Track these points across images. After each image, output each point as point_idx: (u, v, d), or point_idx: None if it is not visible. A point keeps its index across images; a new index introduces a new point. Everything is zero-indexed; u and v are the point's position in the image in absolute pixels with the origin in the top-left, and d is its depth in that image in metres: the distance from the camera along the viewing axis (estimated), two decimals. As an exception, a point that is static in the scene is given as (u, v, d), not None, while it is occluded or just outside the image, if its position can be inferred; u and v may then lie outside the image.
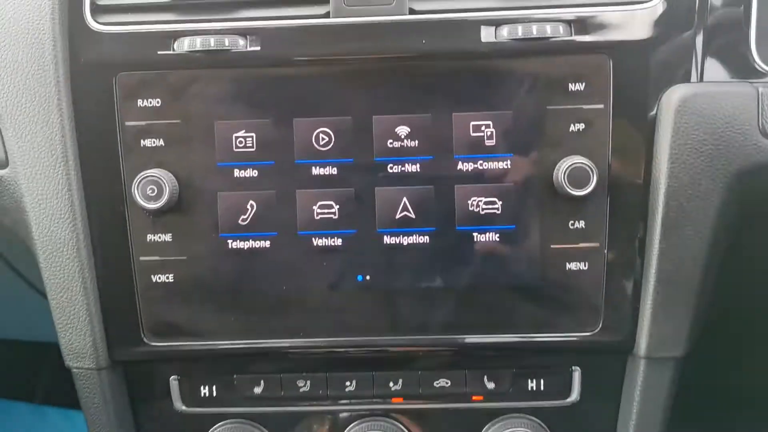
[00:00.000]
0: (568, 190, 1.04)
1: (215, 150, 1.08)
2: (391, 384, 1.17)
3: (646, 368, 1.12)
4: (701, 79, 1.07)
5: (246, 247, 1.10)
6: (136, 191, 1.06)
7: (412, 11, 1.07)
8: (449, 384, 1.17)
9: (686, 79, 1.07)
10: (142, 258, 1.11)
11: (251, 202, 1.09)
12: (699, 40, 1.07)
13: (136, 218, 1.10)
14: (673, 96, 1.04)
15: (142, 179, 1.06)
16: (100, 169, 1.10)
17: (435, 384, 1.17)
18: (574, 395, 1.18)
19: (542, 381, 1.17)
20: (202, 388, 1.20)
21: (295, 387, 1.18)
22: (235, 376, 1.18)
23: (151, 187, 1.06)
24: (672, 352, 1.11)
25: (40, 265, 1.12)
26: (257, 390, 1.18)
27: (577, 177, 1.04)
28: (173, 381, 1.20)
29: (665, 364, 1.12)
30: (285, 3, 1.09)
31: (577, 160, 1.04)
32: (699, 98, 1.03)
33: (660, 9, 1.05)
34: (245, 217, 1.09)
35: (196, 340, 1.13)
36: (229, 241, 1.10)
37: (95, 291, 1.12)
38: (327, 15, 1.07)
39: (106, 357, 1.15)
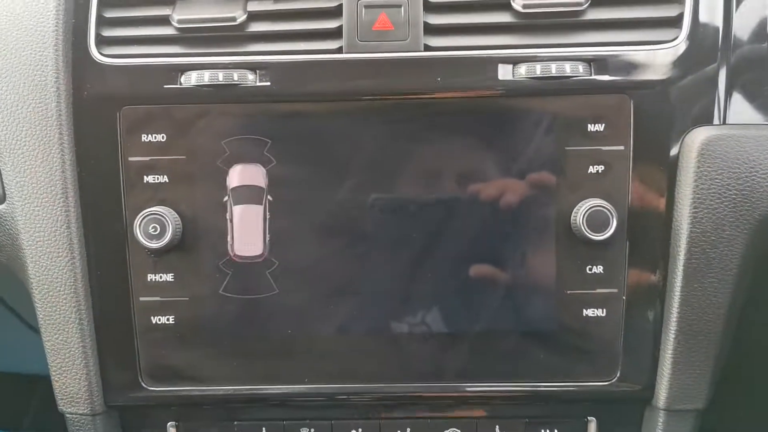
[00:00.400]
0: (587, 234, 1.01)
1: (222, 187, 1.04)
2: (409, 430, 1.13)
3: (665, 420, 1.08)
4: (724, 121, 1.04)
5: (249, 288, 1.06)
6: (137, 229, 1.02)
7: (427, 47, 1.05)
8: None
9: (709, 120, 1.04)
10: (142, 298, 1.06)
11: None
12: (722, 80, 1.04)
13: (137, 257, 1.06)
14: (696, 138, 1.01)
15: (145, 217, 1.02)
16: (101, 206, 1.06)
17: None
18: None
19: (556, 431, 1.13)
20: None
21: None
22: (236, 423, 1.14)
23: (153, 226, 1.02)
24: (693, 404, 1.07)
25: (35, 304, 1.08)
26: None
27: (597, 220, 1.01)
28: (171, 427, 1.15)
29: (685, 416, 1.08)
30: (296, 37, 1.06)
31: (597, 203, 1.01)
32: (723, 141, 1.00)
33: (682, 49, 1.03)
34: None
35: (196, 384, 1.09)
36: (232, 282, 1.06)
37: (92, 332, 1.07)
38: (340, 50, 1.05)
39: (101, 402, 1.10)
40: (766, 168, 1.00)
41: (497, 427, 1.12)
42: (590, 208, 1.01)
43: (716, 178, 1.00)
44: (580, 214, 1.01)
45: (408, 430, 1.13)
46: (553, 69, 1.02)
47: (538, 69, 1.02)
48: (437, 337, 1.06)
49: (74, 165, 1.05)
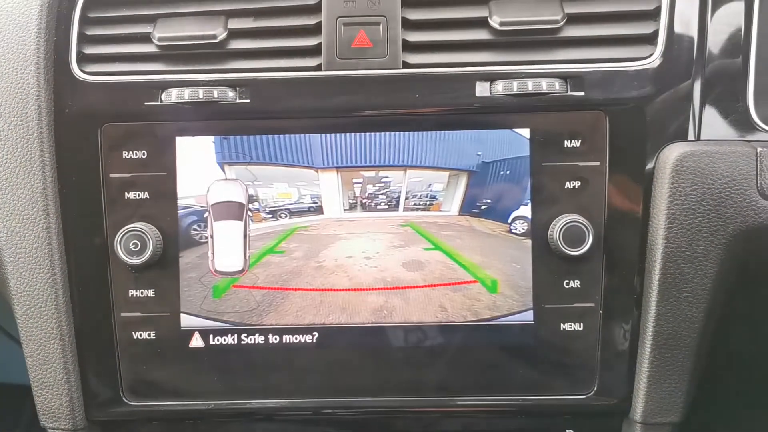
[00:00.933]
0: (564, 249, 1.02)
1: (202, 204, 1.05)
2: None
3: (642, 434, 1.09)
4: (699, 137, 1.05)
5: None
6: (118, 246, 1.03)
7: (405, 64, 1.06)
8: None
9: (683, 136, 1.05)
10: (123, 314, 1.07)
11: None
12: (696, 97, 1.06)
13: (118, 273, 1.06)
14: (671, 154, 1.02)
15: (125, 233, 1.03)
16: (82, 223, 1.07)
17: None
18: None
19: None
20: None
21: None
22: None
23: (134, 242, 1.03)
24: (669, 418, 1.08)
25: (17, 320, 1.08)
26: None
27: (573, 236, 1.02)
28: None
29: (662, 430, 1.09)
30: (276, 54, 1.07)
31: (573, 218, 1.02)
32: (697, 157, 1.02)
33: (657, 65, 1.04)
34: None
35: (178, 399, 1.09)
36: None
37: (73, 348, 1.08)
38: (319, 67, 1.06)
39: (83, 417, 1.10)
40: (739, 183, 1.01)
41: None
42: (566, 223, 1.02)
43: (690, 194, 1.01)
44: (556, 229, 1.02)
45: None
46: (530, 86, 1.03)
47: (515, 86, 1.03)
48: (418, 351, 1.07)
49: (55, 182, 1.06)
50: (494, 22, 1.05)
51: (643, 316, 1.05)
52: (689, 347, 1.05)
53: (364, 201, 1.07)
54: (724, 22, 1.07)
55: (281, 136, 1.06)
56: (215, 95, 1.04)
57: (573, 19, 1.06)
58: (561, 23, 1.05)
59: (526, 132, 1.05)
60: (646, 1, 1.06)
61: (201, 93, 1.04)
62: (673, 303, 1.03)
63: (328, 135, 1.05)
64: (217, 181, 1.06)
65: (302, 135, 1.05)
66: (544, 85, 1.03)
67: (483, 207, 1.06)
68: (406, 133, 1.05)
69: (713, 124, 1.06)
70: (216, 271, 1.07)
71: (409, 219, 1.07)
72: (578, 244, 1.02)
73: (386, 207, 1.07)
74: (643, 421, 1.07)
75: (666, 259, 1.02)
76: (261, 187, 1.07)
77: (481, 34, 1.07)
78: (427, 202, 1.07)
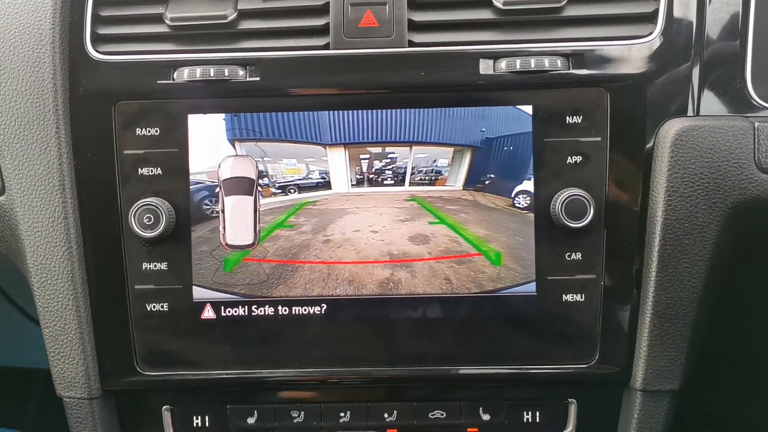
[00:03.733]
0: (566, 221, 1.05)
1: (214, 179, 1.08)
2: (386, 415, 1.16)
3: (642, 401, 1.12)
4: (698, 113, 1.08)
5: None
6: (132, 220, 1.06)
7: (411, 43, 1.09)
8: (444, 415, 1.16)
9: (683, 112, 1.08)
10: (137, 286, 1.10)
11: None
12: (696, 74, 1.08)
13: (132, 247, 1.09)
14: (670, 129, 1.05)
15: (139, 208, 1.06)
16: (97, 198, 1.10)
17: (430, 415, 1.16)
18: (570, 427, 1.17)
19: (538, 413, 1.16)
20: (194, 418, 1.18)
21: (289, 417, 1.17)
22: (228, 406, 1.17)
23: (147, 216, 1.06)
24: (668, 386, 1.10)
25: (34, 293, 1.11)
26: (251, 420, 1.17)
27: (575, 209, 1.05)
28: (165, 411, 1.18)
29: (661, 397, 1.12)
30: (285, 34, 1.10)
31: (575, 192, 1.05)
32: (695, 132, 1.04)
33: (657, 43, 1.07)
34: None
35: (190, 369, 1.12)
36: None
37: (89, 319, 1.11)
38: (327, 47, 1.08)
39: (98, 386, 1.13)
40: (737, 157, 1.04)
41: (481, 409, 1.16)
42: (568, 197, 1.05)
43: (689, 167, 1.04)
44: (558, 202, 1.05)
45: (395, 412, 1.16)
46: (532, 63, 1.06)
47: (518, 63, 1.06)
48: (424, 322, 1.10)
49: (71, 158, 1.09)
50: (498, 1, 1.08)
51: (643, 287, 1.08)
52: (688, 317, 1.07)
53: (371, 176, 1.09)
54: (723, 2, 1.10)
55: (290, 113, 1.08)
56: (226, 73, 1.07)
57: None
58: (563, 2, 1.08)
59: (528, 108, 1.08)
60: None
61: (212, 71, 1.07)
62: (673, 274, 1.06)
63: (336, 112, 1.08)
64: (227, 157, 1.09)
65: (311, 112, 1.08)
66: (547, 62, 1.06)
67: (487, 182, 1.09)
68: (412, 110, 1.08)
69: (712, 100, 1.09)
70: (227, 244, 1.09)
71: (415, 194, 1.09)
72: (580, 217, 1.05)
73: (392, 182, 1.09)
74: (643, 389, 1.10)
75: (665, 230, 1.05)
76: (270, 163, 1.09)
77: (485, 14, 1.09)
78: (433, 177, 1.09)
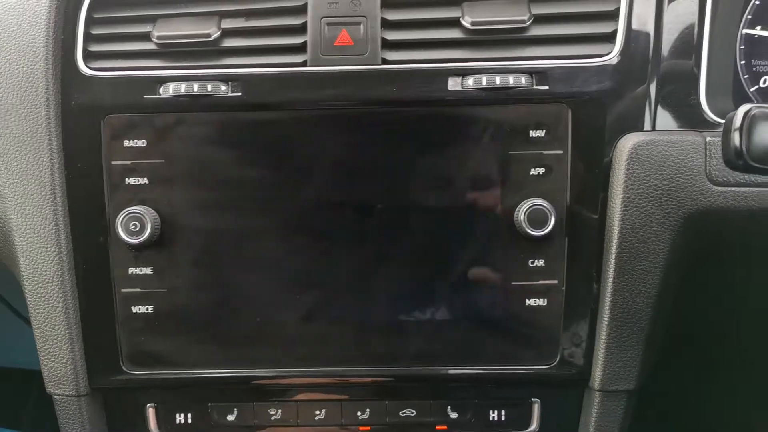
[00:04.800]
0: (528, 230, 1.11)
1: (197, 188, 1.14)
2: (359, 413, 1.22)
3: (600, 401, 1.18)
4: (654, 128, 1.14)
5: (222, 281, 1.16)
6: (119, 227, 1.12)
7: (384, 61, 1.15)
8: (414, 414, 1.22)
9: (640, 127, 1.14)
10: (123, 290, 1.16)
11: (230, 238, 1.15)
12: (652, 91, 1.14)
13: (119, 252, 1.15)
14: (627, 143, 1.11)
15: (126, 215, 1.12)
16: (86, 206, 1.16)
17: (401, 413, 1.22)
18: (533, 426, 1.23)
19: (503, 412, 1.22)
20: (177, 415, 1.24)
21: (267, 415, 1.23)
22: (209, 404, 1.23)
23: (133, 223, 1.12)
24: (624, 386, 1.16)
25: (26, 295, 1.18)
26: (230, 418, 1.23)
27: (536, 218, 1.11)
28: (150, 408, 1.24)
29: (618, 397, 1.18)
30: (266, 52, 1.16)
31: (537, 202, 1.11)
32: (650, 146, 1.10)
33: (616, 62, 1.13)
34: (221, 252, 1.15)
35: (173, 369, 1.18)
36: (206, 275, 1.15)
37: (78, 321, 1.17)
38: (304, 64, 1.14)
39: (86, 384, 1.19)
40: (689, 170, 1.10)
41: (449, 407, 1.22)
42: (530, 206, 1.11)
43: (644, 179, 1.10)
44: (521, 212, 1.11)
45: (367, 410, 1.22)
46: (498, 80, 1.12)
47: (484, 80, 1.12)
48: (395, 325, 1.16)
49: (62, 168, 1.15)
50: (466, 21, 1.14)
51: (601, 292, 1.14)
52: (643, 321, 1.13)
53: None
54: (679, 22, 1.16)
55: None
56: (209, 89, 1.13)
57: (539, 19, 1.15)
58: (528, 23, 1.14)
59: (495, 123, 1.13)
60: (606, 3, 1.15)
61: (196, 87, 1.13)
62: (629, 280, 1.12)
63: None
64: (210, 168, 1.15)
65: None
66: (511, 79, 1.12)
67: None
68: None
69: (667, 116, 1.15)
70: (209, 250, 1.16)
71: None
72: (541, 225, 1.11)
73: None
74: (601, 389, 1.16)
75: (622, 239, 1.11)
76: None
77: (454, 33, 1.15)
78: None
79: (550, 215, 1.10)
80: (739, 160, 0.80)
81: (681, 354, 1.34)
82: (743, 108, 0.81)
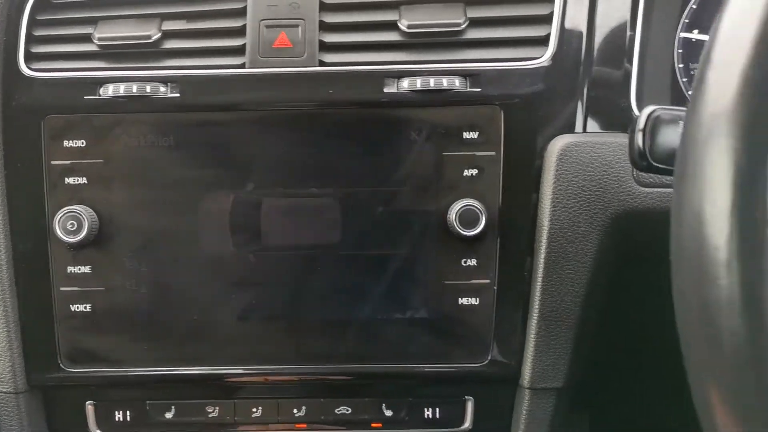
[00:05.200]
0: (459, 230, 1.12)
1: (136, 187, 1.16)
2: (295, 411, 1.24)
3: (530, 398, 1.20)
4: (584, 130, 1.16)
5: (160, 280, 1.17)
6: (57, 226, 1.13)
7: (322, 63, 1.16)
8: (350, 411, 1.23)
9: (571, 129, 1.16)
10: (62, 288, 1.17)
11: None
12: (584, 94, 1.17)
13: (58, 251, 1.17)
14: (557, 145, 1.13)
15: (64, 215, 1.13)
16: (25, 205, 1.17)
17: (336, 411, 1.23)
18: (467, 424, 1.24)
19: (437, 410, 1.24)
20: (116, 413, 1.25)
21: (204, 413, 1.24)
22: (147, 402, 1.24)
23: (71, 222, 1.13)
24: (552, 384, 1.18)
25: None
26: (168, 415, 1.24)
27: (468, 218, 1.12)
28: (89, 406, 1.26)
29: (547, 395, 1.19)
30: (205, 53, 1.18)
31: (468, 202, 1.13)
32: (579, 147, 1.12)
33: (548, 65, 1.15)
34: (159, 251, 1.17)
35: (111, 366, 1.20)
36: (144, 274, 1.17)
37: (16, 319, 1.18)
38: (243, 65, 1.16)
39: (24, 381, 1.21)
40: (616, 171, 1.12)
41: (383, 405, 1.23)
42: (462, 207, 1.12)
43: (573, 180, 1.12)
44: (453, 212, 1.13)
45: (303, 408, 1.23)
46: (432, 83, 1.14)
47: (419, 83, 1.14)
48: (329, 323, 1.18)
49: (2, 167, 1.17)
50: (402, 25, 1.16)
51: (531, 291, 1.15)
52: (571, 319, 1.15)
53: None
54: (611, 27, 1.18)
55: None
56: (148, 90, 1.14)
57: (475, 23, 1.17)
58: (464, 26, 1.16)
59: (429, 125, 1.15)
60: (540, 7, 1.17)
61: (135, 88, 1.14)
62: (557, 279, 1.14)
63: None
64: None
65: None
66: (445, 82, 1.14)
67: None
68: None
69: (598, 118, 1.17)
70: (147, 249, 1.17)
71: (324, 203, 1.17)
72: (472, 225, 1.12)
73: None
74: (531, 387, 1.18)
75: (550, 239, 1.13)
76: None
77: (392, 36, 1.17)
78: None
79: (481, 215, 1.12)
80: (642, 160, 0.82)
81: (613, 352, 1.35)
82: (647, 109, 0.83)
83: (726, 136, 0.55)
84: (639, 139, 0.82)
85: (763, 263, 0.53)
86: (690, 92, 1.27)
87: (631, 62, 1.18)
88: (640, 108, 1.17)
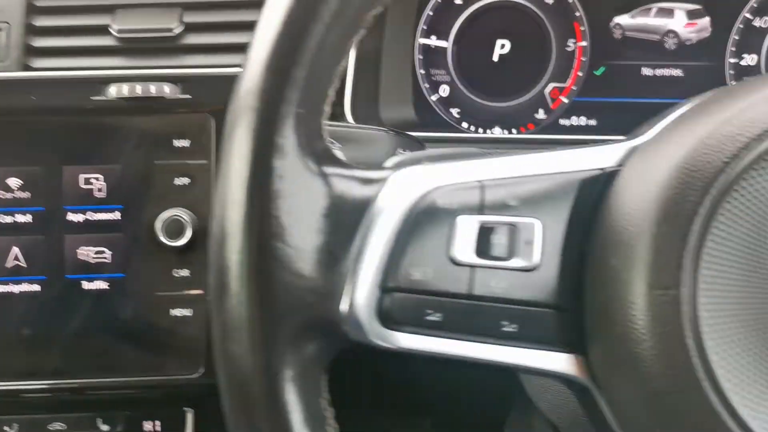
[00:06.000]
0: (164, 241, 1.10)
1: None
2: (6, 429, 1.20)
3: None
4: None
5: None
6: None
7: (28, 68, 1.12)
8: (65, 427, 1.20)
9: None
10: None
11: None
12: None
13: None
14: None
15: None
16: None
17: (49, 427, 1.20)
18: None
19: (158, 422, 1.22)
20: None
21: None
22: None
23: None
24: None
25: None
26: None
27: (173, 229, 1.10)
28: None
29: None
30: None
31: (176, 212, 1.11)
32: None
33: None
34: None
35: None
36: None
37: None
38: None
39: None
40: None
41: (99, 420, 1.21)
42: (169, 217, 1.10)
43: None
44: (159, 222, 1.11)
45: (15, 425, 1.20)
46: (139, 90, 1.11)
47: (125, 89, 1.11)
48: (40, 337, 1.14)
49: None
50: (113, 30, 1.13)
51: None
52: None
53: None
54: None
55: None
56: None
57: (191, 28, 1.15)
58: (177, 32, 1.14)
59: (140, 133, 1.13)
60: (257, 14, 1.15)
61: None
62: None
63: None
64: None
65: None
66: (153, 89, 1.11)
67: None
68: None
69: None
70: None
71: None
72: (178, 236, 1.10)
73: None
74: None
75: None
76: None
77: (105, 41, 1.14)
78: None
79: (187, 226, 1.10)
80: None
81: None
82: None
83: None
84: None
85: None
86: (432, 97, 1.30)
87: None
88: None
